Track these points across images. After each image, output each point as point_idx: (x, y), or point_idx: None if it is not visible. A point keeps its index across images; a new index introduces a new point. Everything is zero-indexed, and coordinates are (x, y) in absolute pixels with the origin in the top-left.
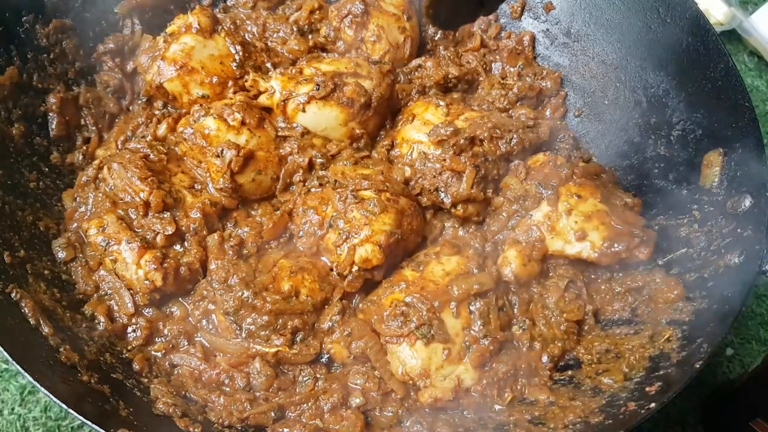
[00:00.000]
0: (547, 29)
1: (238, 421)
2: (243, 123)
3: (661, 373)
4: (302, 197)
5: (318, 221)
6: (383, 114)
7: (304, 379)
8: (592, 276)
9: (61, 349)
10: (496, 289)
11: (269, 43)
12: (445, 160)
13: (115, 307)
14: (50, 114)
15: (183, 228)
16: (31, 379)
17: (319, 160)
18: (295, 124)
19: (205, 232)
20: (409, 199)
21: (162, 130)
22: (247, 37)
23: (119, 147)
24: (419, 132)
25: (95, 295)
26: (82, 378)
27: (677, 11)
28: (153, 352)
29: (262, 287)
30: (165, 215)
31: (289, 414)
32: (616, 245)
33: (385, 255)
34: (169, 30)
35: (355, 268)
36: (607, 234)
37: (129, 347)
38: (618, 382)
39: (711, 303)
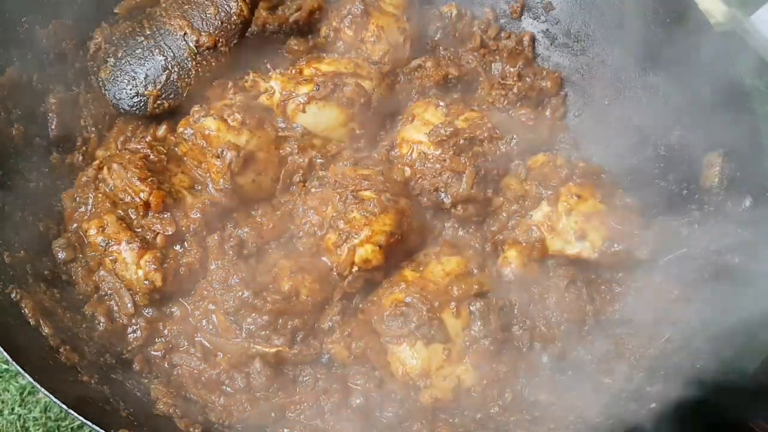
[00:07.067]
0: (547, 29)
1: (238, 421)
2: (243, 123)
3: (661, 373)
4: (302, 198)
5: (318, 221)
6: (383, 114)
7: (304, 379)
8: (592, 276)
9: (61, 350)
10: (496, 289)
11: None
12: (445, 160)
13: (115, 308)
14: (50, 114)
15: (183, 228)
16: (31, 379)
17: (319, 161)
18: (295, 125)
19: (205, 233)
20: (409, 199)
21: (162, 130)
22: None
23: (119, 147)
24: (419, 132)
25: (95, 295)
26: (82, 378)
27: (677, 11)
28: (153, 352)
29: (262, 287)
30: (165, 215)
31: (289, 414)
32: (616, 245)
33: (385, 255)
34: None
35: (355, 268)
36: (607, 234)
37: (129, 347)
38: (618, 381)
39: (711, 303)
